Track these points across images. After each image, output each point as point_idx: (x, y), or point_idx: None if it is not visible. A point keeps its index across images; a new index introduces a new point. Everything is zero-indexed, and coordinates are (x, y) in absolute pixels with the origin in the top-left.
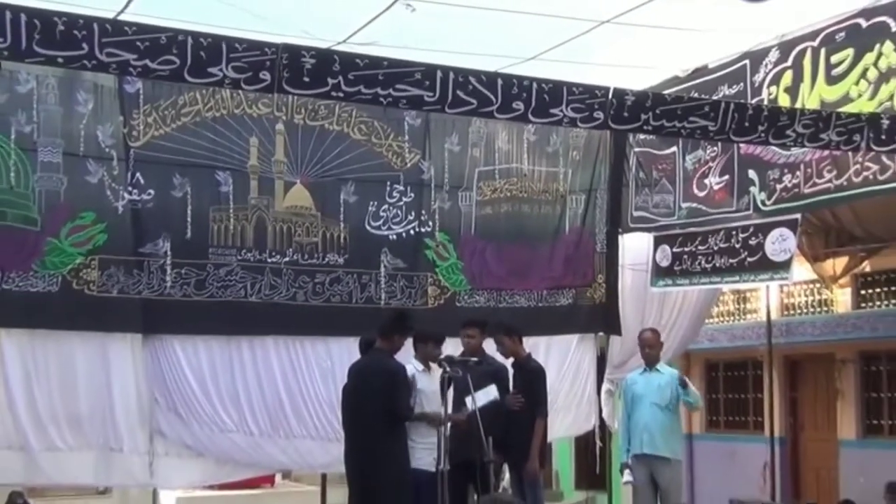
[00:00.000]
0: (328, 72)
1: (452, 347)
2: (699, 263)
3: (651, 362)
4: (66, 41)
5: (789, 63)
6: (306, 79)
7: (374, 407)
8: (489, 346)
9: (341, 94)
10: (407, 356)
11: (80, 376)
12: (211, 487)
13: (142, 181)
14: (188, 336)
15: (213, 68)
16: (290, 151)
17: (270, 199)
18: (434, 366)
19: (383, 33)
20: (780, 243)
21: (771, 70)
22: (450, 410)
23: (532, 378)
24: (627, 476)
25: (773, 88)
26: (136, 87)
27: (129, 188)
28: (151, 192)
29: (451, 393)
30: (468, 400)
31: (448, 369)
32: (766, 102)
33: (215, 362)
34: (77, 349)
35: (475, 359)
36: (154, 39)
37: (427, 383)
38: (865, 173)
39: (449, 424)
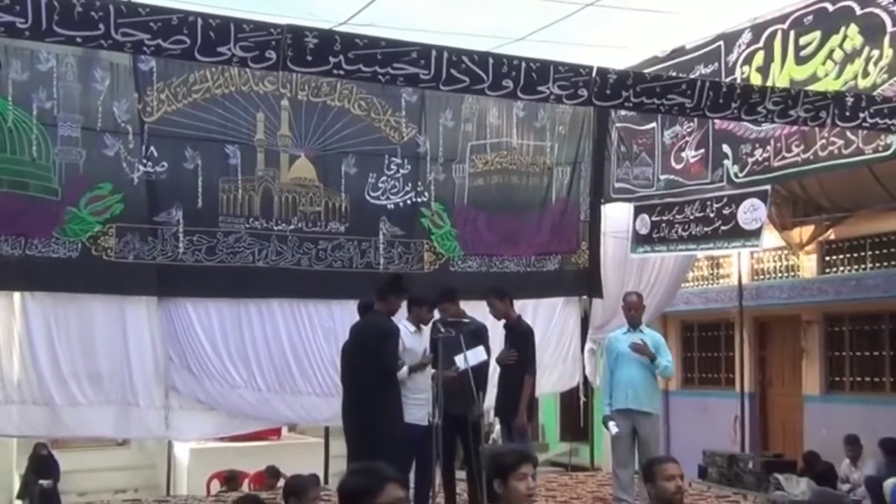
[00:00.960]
0: (330, 51)
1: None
2: (676, 231)
3: (635, 324)
4: (83, 22)
5: (761, 44)
6: (309, 57)
7: (369, 364)
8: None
9: (342, 72)
10: (398, 317)
11: (100, 336)
12: (222, 439)
13: (155, 154)
14: (200, 299)
15: (222, 47)
16: (294, 126)
17: (276, 171)
18: (424, 327)
19: (382, 15)
20: (751, 213)
21: (744, 51)
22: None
23: (521, 338)
24: (615, 428)
25: (746, 68)
26: (149, 66)
27: (144, 161)
28: (165, 164)
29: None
30: (458, 359)
31: (442, 330)
32: (739, 81)
33: (225, 323)
34: (96, 311)
35: (466, 319)
36: (166, 20)
37: (416, 343)
38: (831, 148)
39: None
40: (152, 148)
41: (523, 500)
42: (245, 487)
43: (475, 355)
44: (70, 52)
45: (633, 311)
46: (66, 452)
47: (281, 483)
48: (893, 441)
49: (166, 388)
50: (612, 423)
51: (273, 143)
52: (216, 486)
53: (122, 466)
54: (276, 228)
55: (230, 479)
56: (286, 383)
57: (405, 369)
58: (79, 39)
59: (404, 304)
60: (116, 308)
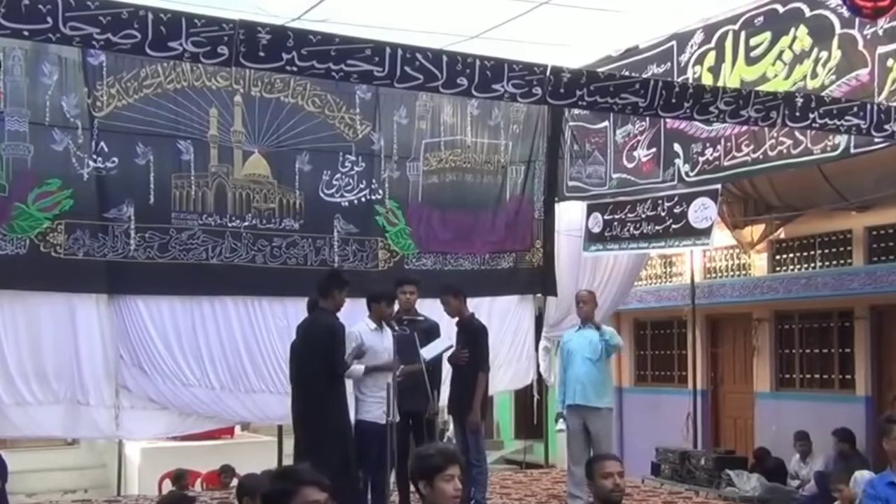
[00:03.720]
0: (283, 47)
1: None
2: (628, 230)
3: (585, 318)
4: (31, 15)
5: (712, 45)
6: (262, 53)
7: (314, 362)
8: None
9: (295, 69)
10: (357, 317)
11: (48, 334)
12: (174, 438)
13: (106, 149)
14: (152, 296)
15: (173, 42)
16: (247, 122)
17: (230, 167)
18: (385, 325)
19: (335, 12)
20: (701, 211)
21: (696, 51)
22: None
23: (475, 336)
24: (561, 424)
25: (698, 68)
26: (99, 60)
27: (94, 156)
28: (115, 160)
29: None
30: (424, 350)
31: (396, 328)
32: (691, 81)
33: (178, 321)
34: (45, 309)
35: (420, 317)
36: (116, 14)
37: (378, 341)
38: (780, 147)
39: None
40: (102, 143)
41: (450, 503)
42: (198, 487)
43: (439, 344)
44: (17, 45)
45: (582, 303)
46: (14, 452)
47: (235, 482)
48: (847, 431)
49: (117, 387)
50: (560, 421)
51: (226, 140)
52: (168, 486)
53: (72, 466)
54: (230, 225)
55: (178, 479)
56: (240, 381)
57: (360, 368)
58: (26, 33)
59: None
60: (66, 306)
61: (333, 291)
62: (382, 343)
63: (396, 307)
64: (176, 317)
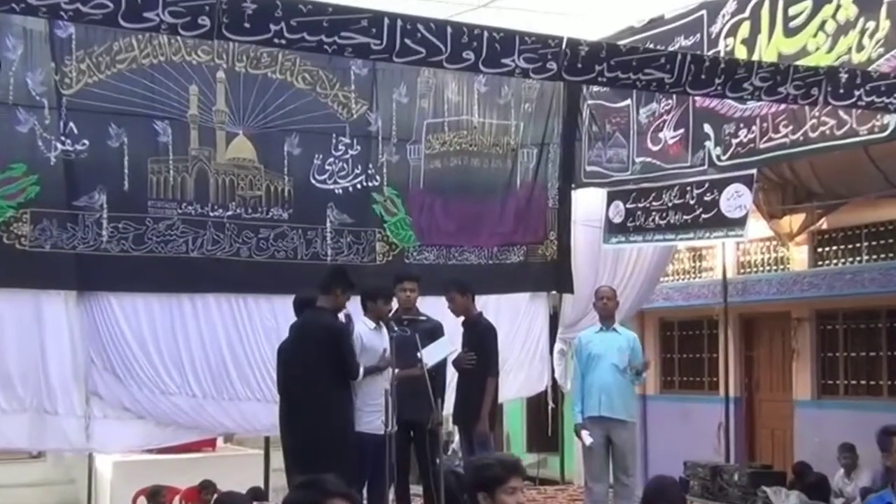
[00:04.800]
0: (270, 17)
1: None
2: (653, 220)
3: (606, 316)
4: None
5: (747, 14)
6: (247, 25)
7: (318, 367)
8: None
9: (284, 42)
10: (354, 316)
11: (12, 336)
12: (150, 452)
13: (75, 131)
14: (126, 293)
15: (149, 13)
16: (231, 101)
17: (212, 151)
18: (383, 324)
19: None
20: (735, 199)
21: (728, 21)
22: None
23: (483, 336)
24: (588, 438)
25: (731, 40)
26: (67, 32)
27: (62, 138)
28: (86, 142)
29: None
30: (425, 353)
31: (396, 329)
32: (723, 54)
33: (155, 321)
34: (8, 307)
35: (422, 317)
36: None
37: (377, 342)
38: (822, 128)
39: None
40: (72, 124)
41: None
42: None
43: (441, 348)
44: None
45: (606, 299)
46: None
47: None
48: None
49: (87, 394)
50: (585, 433)
51: (208, 120)
52: (142, 503)
53: (37, 482)
54: (211, 214)
55: (153, 495)
56: (223, 388)
57: (360, 371)
58: None
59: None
60: (31, 303)
61: (336, 289)
62: (382, 345)
63: (395, 305)
64: (153, 316)
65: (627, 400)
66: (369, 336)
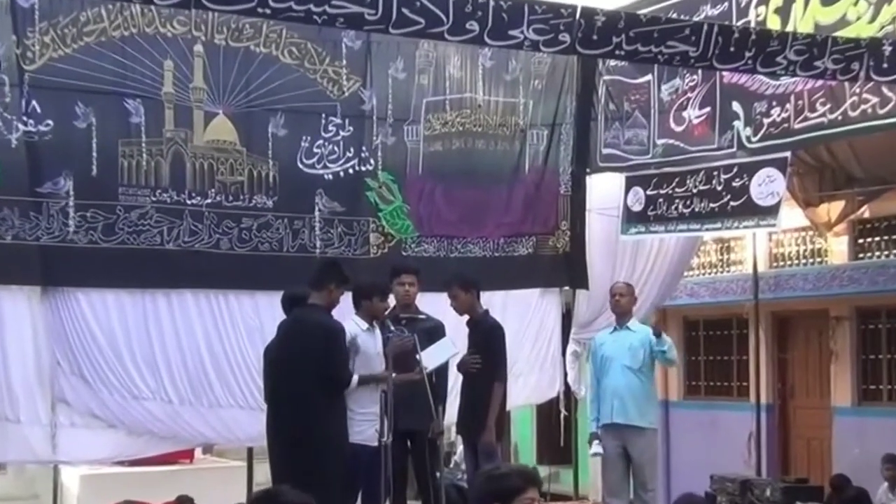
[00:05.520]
0: None
1: None
2: (676, 208)
3: (622, 314)
4: None
5: None
6: None
7: (308, 371)
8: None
9: (268, 11)
10: (344, 313)
11: None
12: (121, 464)
13: (38, 110)
14: (95, 289)
15: None
16: (210, 77)
17: (188, 132)
18: (377, 323)
19: None
20: (767, 185)
21: None
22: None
23: (489, 337)
24: (596, 447)
25: (762, 9)
26: (30, 2)
27: (24, 118)
28: (50, 122)
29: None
30: (425, 355)
31: (393, 329)
32: (753, 25)
33: (127, 319)
34: None
35: (422, 315)
36: None
37: (371, 344)
38: (864, 106)
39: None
40: (34, 102)
41: None
42: None
43: (442, 350)
44: None
45: (619, 296)
46: None
47: None
48: None
49: (53, 401)
50: (595, 444)
51: (185, 98)
52: None
53: None
54: (188, 202)
55: None
56: (202, 394)
57: (354, 380)
58: None
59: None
60: None
61: (329, 285)
62: (376, 346)
63: (391, 302)
64: (125, 314)
65: (643, 404)
66: (363, 338)
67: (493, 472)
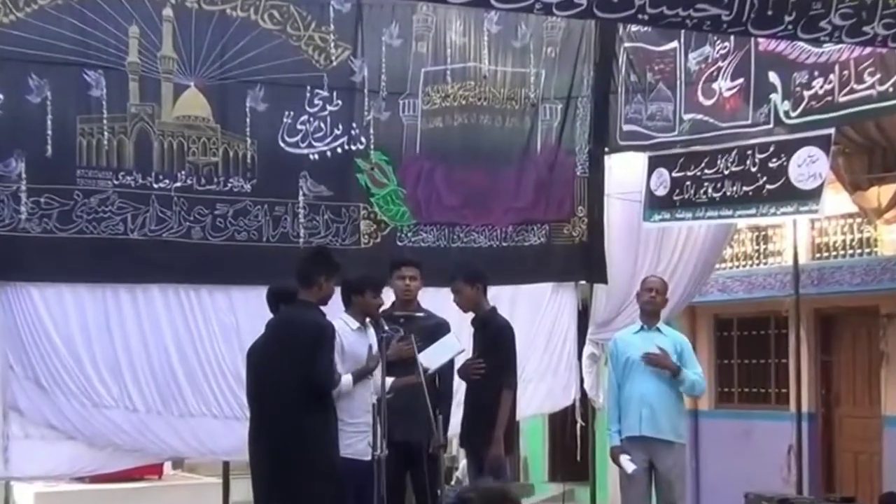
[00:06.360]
0: None
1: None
2: (705, 192)
3: (651, 313)
4: None
5: None
6: None
7: (293, 375)
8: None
9: None
10: (334, 311)
11: None
12: (81, 480)
13: None
14: (50, 283)
15: None
16: (180, 45)
17: (156, 107)
18: (370, 322)
19: None
20: (808, 166)
21: None
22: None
23: (496, 338)
24: (628, 463)
25: None
26: None
27: None
28: (0, 96)
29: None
30: (425, 356)
31: (387, 328)
32: None
33: (86, 318)
34: None
35: (420, 313)
36: None
37: (360, 344)
38: None
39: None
40: None
41: None
42: None
43: (445, 349)
44: None
45: (654, 293)
46: None
47: None
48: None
49: (4, 409)
50: (624, 458)
51: (152, 69)
52: None
53: None
54: (156, 186)
55: None
56: (171, 402)
57: (347, 379)
58: None
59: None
60: None
61: (319, 278)
62: (368, 348)
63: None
64: (84, 312)
65: (674, 416)
66: (351, 338)
67: (463, 493)
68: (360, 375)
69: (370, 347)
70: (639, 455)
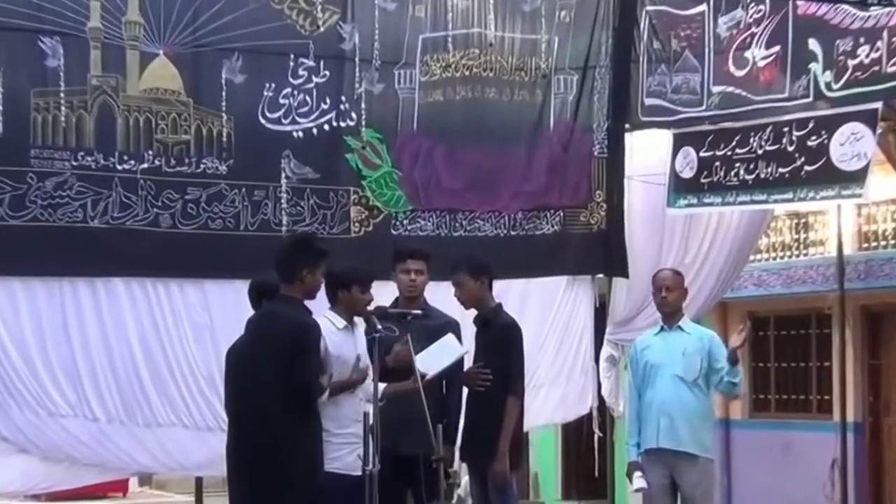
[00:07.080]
0: None
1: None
2: (736, 174)
3: (670, 312)
4: None
5: None
6: None
7: (273, 380)
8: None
9: None
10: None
11: None
12: (36, 498)
13: None
14: (1, 278)
15: None
16: (148, 8)
17: (120, 79)
18: (360, 321)
19: None
20: (852, 145)
21: None
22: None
23: (502, 338)
24: (638, 481)
25: None
26: None
27: None
28: None
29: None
30: (422, 359)
31: (378, 328)
32: None
33: (41, 315)
34: None
35: (417, 311)
36: None
37: (349, 347)
38: None
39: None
40: None
41: None
42: None
43: (446, 350)
44: None
45: (665, 290)
46: None
47: None
48: None
49: None
50: (636, 475)
51: (115, 36)
52: None
53: None
54: (119, 168)
55: None
56: (136, 410)
57: (326, 394)
58: None
59: None
60: None
61: (301, 271)
62: (355, 350)
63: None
64: (37, 309)
65: (697, 426)
66: (336, 338)
67: None
68: (340, 390)
69: (358, 358)
70: (658, 471)
